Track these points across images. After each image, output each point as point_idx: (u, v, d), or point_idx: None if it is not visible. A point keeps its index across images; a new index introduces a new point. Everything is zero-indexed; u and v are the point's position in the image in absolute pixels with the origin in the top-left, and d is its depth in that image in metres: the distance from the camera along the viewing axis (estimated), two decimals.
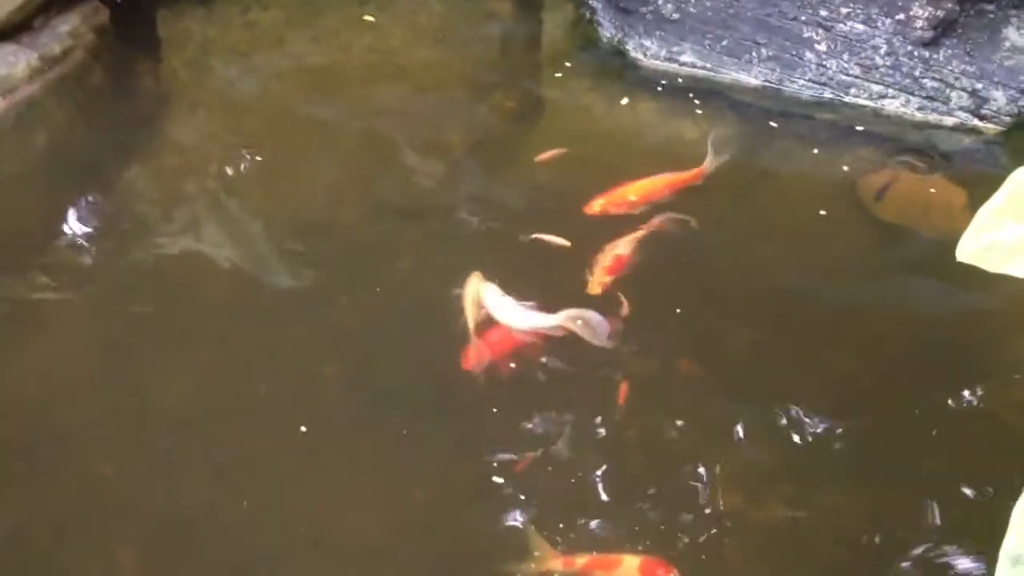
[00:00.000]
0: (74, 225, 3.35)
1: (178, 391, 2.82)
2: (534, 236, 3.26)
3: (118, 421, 2.76)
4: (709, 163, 3.47)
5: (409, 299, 3.12)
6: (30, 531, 2.52)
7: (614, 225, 3.30)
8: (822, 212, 3.50)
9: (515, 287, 2.97)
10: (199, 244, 3.32)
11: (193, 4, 4.36)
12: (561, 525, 2.52)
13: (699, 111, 3.99)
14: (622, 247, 3.21)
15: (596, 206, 3.35)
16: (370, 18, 4.38)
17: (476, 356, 2.84)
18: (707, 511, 2.56)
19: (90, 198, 3.49)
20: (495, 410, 2.78)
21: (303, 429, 2.71)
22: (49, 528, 2.53)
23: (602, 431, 2.75)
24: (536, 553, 2.44)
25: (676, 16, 4.14)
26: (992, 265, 1.97)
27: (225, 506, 2.57)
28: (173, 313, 3.08)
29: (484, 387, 2.81)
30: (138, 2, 4.28)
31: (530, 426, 2.75)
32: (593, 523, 2.54)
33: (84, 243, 3.29)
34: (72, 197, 3.47)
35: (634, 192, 3.39)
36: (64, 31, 3.96)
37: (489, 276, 3.07)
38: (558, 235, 3.26)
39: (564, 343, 2.87)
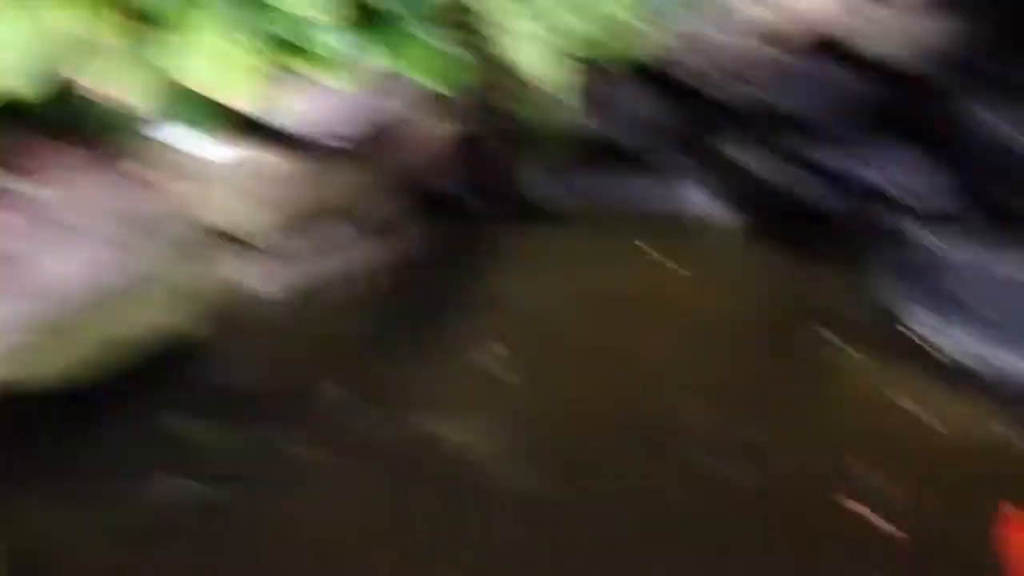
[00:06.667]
0: (350, 396, 3.65)
1: None
2: None
3: None
4: None
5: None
6: None
7: None
8: None
9: None
10: (462, 432, 3.53)
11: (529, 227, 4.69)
12: None
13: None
14: None
15: None
16: (668, 264, 4.53)
17: None
18: None
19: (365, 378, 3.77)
20: None
21: None
22: None
23: None
24: None
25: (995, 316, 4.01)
26: None
27: None
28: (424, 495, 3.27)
29: None
30: (478, 220, 4.62)
31: None
32: None
33: (354, 414, 3.57)
34: (351, 375, 3.77)
35: None
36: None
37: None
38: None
39: None
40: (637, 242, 4.56)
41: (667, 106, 4.72)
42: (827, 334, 4.17)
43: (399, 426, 3.55)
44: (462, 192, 4.57)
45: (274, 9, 3.65)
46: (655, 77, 4.63)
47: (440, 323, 4.14)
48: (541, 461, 3.42)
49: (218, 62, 3.59)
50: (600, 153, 4.78)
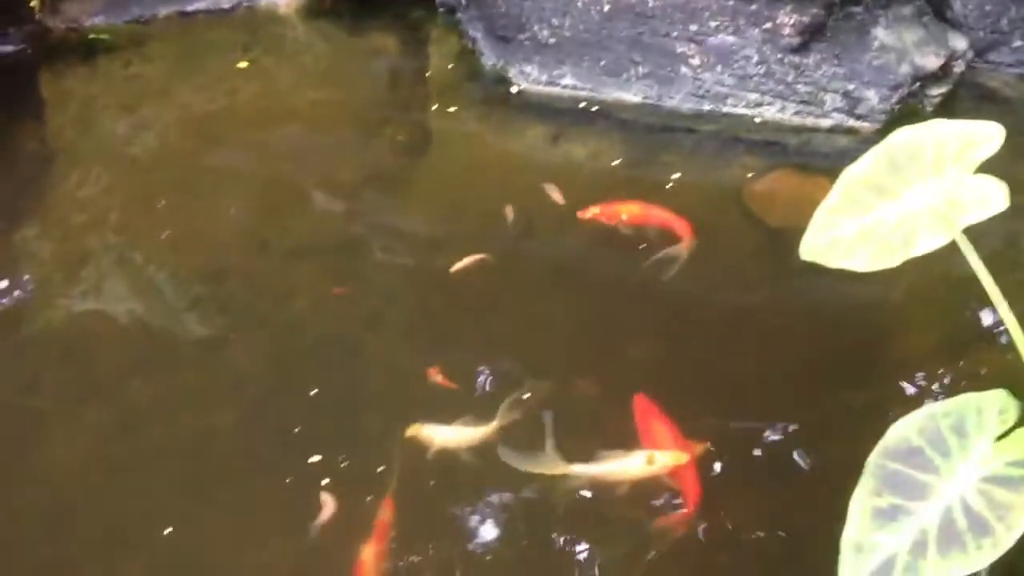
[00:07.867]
0: None
1: (71, 450, 2.81)
2: (453, 268, 3.34)
3: (5, 483, 2.75)
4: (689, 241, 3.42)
5: (313, 338, 3.16)
6: None
7: None
8: (710, 221, 3.59)
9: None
10: (99, 301, 3.33)
11: (74, 63, 4.39)
12: None
13: (584, 131, 4.08)
14: None
15: (590, 213, 3.52)
16: (243, 64, 4.43)
17: None
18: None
19: None
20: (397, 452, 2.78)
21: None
22: None
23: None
24: None
25: (553, 40, 4.23)
26: (833, 261, 2.07)
27: (120, 564, 2.55)
28: (70, 372, 3.08)
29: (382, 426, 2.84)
30: (16, 65, 4.26)
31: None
32: None
33: None
34: None
35: (626, 212, 3.52)
36: None
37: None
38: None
39: None
40: (216, 51, 4.44)
41: None
42: (441, 106, 4.27)
43: (26, 312, 3.29)
44: None
45: None
46: None
47: (44, 186, 3.85)
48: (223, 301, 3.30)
49: None
50: None
